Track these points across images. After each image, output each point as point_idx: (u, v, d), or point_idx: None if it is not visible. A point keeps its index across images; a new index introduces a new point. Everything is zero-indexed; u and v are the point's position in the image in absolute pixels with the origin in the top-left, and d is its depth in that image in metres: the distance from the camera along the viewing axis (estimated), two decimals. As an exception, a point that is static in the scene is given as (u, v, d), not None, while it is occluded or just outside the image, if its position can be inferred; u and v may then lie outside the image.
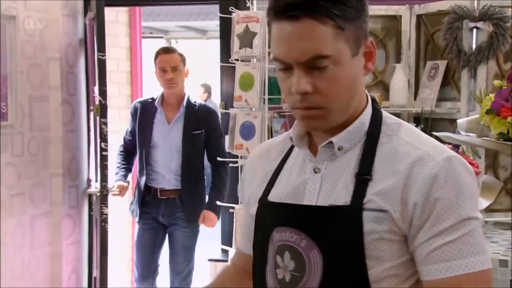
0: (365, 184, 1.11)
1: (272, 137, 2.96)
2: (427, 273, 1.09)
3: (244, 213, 1.38)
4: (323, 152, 1.17)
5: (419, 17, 3.23)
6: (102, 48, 3.77)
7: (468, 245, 1.07)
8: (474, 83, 2.88)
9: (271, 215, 1.20)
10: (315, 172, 1.17)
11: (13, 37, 3.64)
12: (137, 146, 3.72)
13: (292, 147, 1.25)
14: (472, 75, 2.88)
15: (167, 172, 3.62)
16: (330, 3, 1.06)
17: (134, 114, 3.74)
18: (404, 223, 1.09)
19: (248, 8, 3.50)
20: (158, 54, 3.64)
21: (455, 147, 2.28)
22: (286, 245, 1.15)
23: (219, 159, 3.52)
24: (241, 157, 3.35)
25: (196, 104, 3.65)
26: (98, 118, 3.81)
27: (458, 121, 2.41)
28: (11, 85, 3.65)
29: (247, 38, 3.28)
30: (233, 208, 3.46)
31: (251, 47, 3.27)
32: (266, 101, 3.30)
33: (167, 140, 3.62)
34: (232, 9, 3.41)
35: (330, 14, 1.06)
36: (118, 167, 3.84)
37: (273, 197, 1.21)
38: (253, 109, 3.33)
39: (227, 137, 3.51)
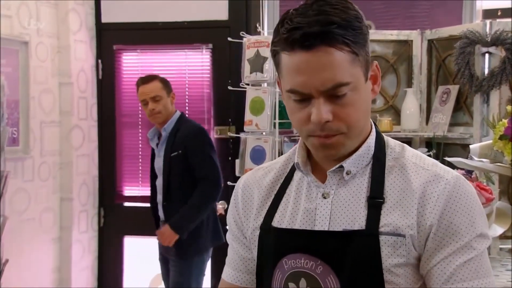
0: (379, 208, 1.11)
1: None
2: None
3: (233, 242, 1.29)
4: (331, 177, 1.16)
5: (430, 42, 3.21)
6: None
7: (482, 266, 1.09)
8: (487, 108, 2.85)
9: (279, 242, 1.17)
10: (324, 198, 1.16)
11: (25, 63, 3.66)
12: None
13: (291, 172, 1.24)
14: (484, 100, 2.86)
15: (160, 201, 3.34)
16: (343, 30, 1.06)
17: None
18: (420, 244, 1.09)
19: (258, 33, 3.52)
20: (137, 86, 3.35)
21: (468, 173, 2.23)
22: (302, 272, 1.13)
23: (204, 177, 3.20)
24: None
25: (182, 125, 3.31)
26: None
27: (470, 146, 2.37)
28: (22, 110, 3.67)
29: (258, 63, 3.28)
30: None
31: (261, 71, 3.27)
32: (277, 126, 3.29)
33: (157, 167, 3.37)
34: (242, 33, 3.42)
35: (346, 40, 1.06)
36: None
37: (278, 223, 1.18)
38: (264, 133, 3.32)
39: (237, 161, 3.46)
